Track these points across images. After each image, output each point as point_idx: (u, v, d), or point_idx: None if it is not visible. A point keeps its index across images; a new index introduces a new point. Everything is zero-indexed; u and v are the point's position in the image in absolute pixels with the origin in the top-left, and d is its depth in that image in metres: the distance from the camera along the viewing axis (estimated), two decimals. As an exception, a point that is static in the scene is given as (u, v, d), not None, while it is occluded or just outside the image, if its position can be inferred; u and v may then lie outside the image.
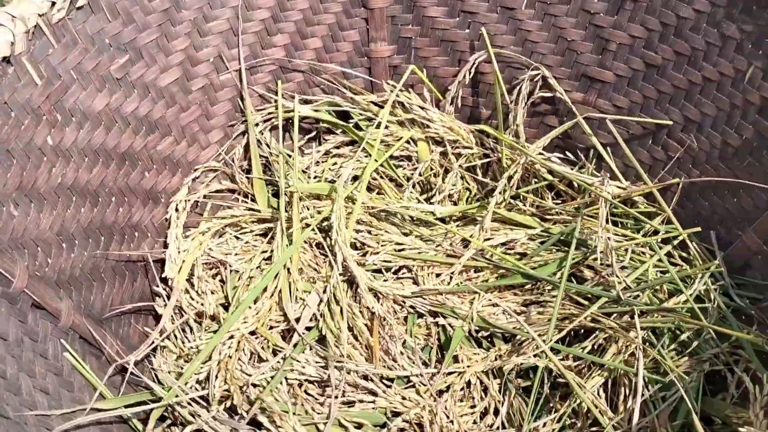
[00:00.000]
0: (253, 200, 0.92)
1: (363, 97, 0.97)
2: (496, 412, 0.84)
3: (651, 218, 0.91)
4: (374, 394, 0.75)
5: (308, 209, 0.90)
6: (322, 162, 0.99)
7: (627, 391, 0.80)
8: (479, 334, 0.90)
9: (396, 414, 0.76)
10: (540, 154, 0.95)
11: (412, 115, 0.96)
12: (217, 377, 0.68)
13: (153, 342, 0.71)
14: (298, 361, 0.73)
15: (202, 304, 0.77)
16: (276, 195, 0.95)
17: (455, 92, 0.96)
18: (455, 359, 0.87)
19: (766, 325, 0.78)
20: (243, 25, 0.85)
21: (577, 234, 0.89)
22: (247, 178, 0.93)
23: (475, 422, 0.82)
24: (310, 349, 0.76)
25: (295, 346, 0.76)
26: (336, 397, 0.69)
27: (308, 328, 0.81)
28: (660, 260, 0.87)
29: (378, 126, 0.96)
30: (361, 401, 0.74)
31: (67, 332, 0.62)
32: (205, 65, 0.85)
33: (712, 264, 0.84)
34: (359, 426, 0.72)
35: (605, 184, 0.88)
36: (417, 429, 0.76)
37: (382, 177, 1.00)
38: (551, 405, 0.84)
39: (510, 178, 0.94)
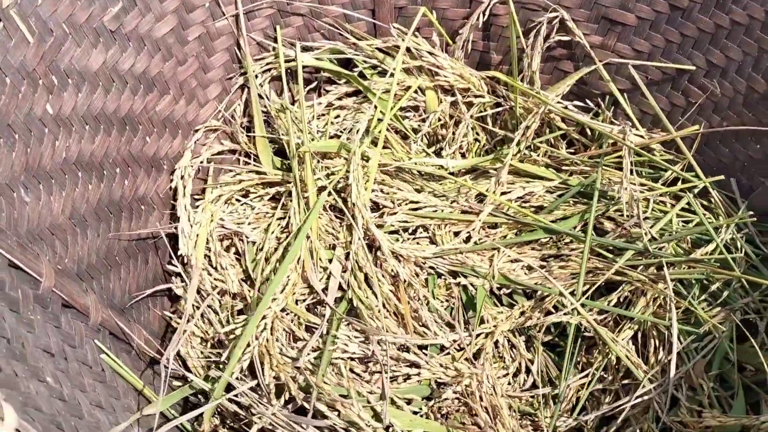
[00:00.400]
0: (256, 160, 0.84)
1: (367, 43, 0.89)
2: (527, 371, 0.83)
3: (672, 165, 0.89)
4: (417, 366, 0.72)
5: (318, 170, 0.83)
6: (325, 115, 0.92)
7: (657, 344, 0.80)
8: (501, 292, 0.88)
9: (439, 384, 0.73)
10: (558, 102, 0.91)
11: (420, 62, 0.90)
12: (263, 364, 0.62)
13: (184, 331, 0.64)
14: (338, 338, 0.69)
15: (223, 282, 0.71)
16: (279, 154, 0.87)
17: (467, 36, 0.90)
18: (481, 320, 0.84)
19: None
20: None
21: (598, 185, 0.87)
22: (248, 136, 0.84)
23: (509, 383, 0.81)
24: (347, 324, 0.72)
25: (329, 321, 0.71)
26: (386, 374, 0.65)
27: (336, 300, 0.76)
28: (683, 210, 0.86)
29: (384, 75, 0.89)
30: (407, 376, 0.71)
31: (98, 330, 0.55)
32: (200, 11, 0.75)
33: (740, 213, 0.83)
34: (409, 401, 0.69)
35: (628, 133, 0.86)
36: (462, 397, 0.73)
37: (387, 129, 0.93)
38: (578, 360, 0.84)
39: (527, 128, 0.89)
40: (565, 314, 0.80)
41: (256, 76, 0.83)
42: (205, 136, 0.79)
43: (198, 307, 0.67)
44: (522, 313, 0.85)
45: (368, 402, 0.64)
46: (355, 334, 0.71)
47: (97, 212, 0.60)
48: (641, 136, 0.90)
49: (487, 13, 0.87)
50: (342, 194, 0.83)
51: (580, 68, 0.91)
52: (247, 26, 0.80)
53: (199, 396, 0.66)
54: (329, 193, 0.81)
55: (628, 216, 0.85)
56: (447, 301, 0.87)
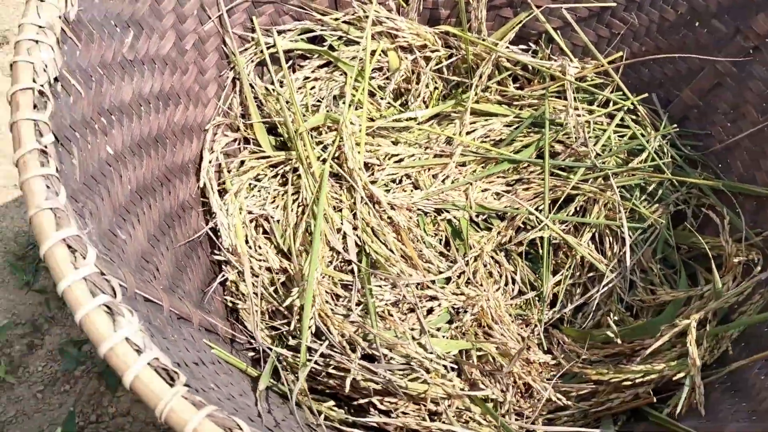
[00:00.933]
0: (255, 144, 0.93)
1: (332, 18, 0.97)
2: (513, 281, 1.00)
3: (601, 90, 1.05)
4: (435, 298, 0.87)
5: (312, 143, 0.92)
6: (302, 88, 1.00)
7: (611, 240, 0.99)
8: (478, 218, 1.03)
9: (456, 310, 0.89)
10: (504, 47, 1.03)
11: (381, 27, 0.98)
12: (327, 326, 0.74)
13: (257, 312, 0.75)
14: (372, 289, 0.82)
15: (266, 261, 0.81)
16: (270, 133, 0.96)
17: (419, -2, 0.99)
18: (468, 246, 0.99)
19: (709, 167, 0.99)
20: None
21: (547, 115, 1.02)
22: (243, 123, 0.92)
23: (501, 295, 0.98)
24: (373, 275, 0.85)
25: (360, 277, 0.84)
26: (420, 311, 0.80)
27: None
28: (617, 126, 1.03)
29: (350, 44, 0.98)
30: (430, 309, 0.86)
31: (198, 330, 0.65)
32: (191, 20, 0.80)
33: (664, 123, 1.01)
34: (438, 329, 0.85)
35: (568, 68, 1.00)
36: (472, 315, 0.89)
37: (356, 90, 1.03)
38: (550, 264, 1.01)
39: (482, 74, 1.02)
40: (539, 230, 0.97)
41: (245, 67, 0.90)
42: (213, 132, 0.86)
43: (255, 286, 0.77)
44: (499, 233, 1.01)
45: (413, 338, 0.78)
46: (382, 283, 0.85)
47: (160, 228, 0.68)
48: (575, 68, 1.05)
49: (436, -25, 0.97)
50: (336, 160, 0.94)
51: (518, 14, 1.03)
52: (229, 23, 0.86)
53: (284, 362, 0.77)
54: (330, 166, 0.91)
55: (575, 138, 1.01)
56: (436, 235, 1.01)
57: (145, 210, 0.67)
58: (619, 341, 0.86)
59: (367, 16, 0.97)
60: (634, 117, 1.04)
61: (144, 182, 0.69)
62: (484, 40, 1.01)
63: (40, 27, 0.57)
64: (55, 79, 0.57)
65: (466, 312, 0.87)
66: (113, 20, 0.67)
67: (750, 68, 0.91)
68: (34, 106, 0.52)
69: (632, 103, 1.02)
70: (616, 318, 0.91)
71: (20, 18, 0.56)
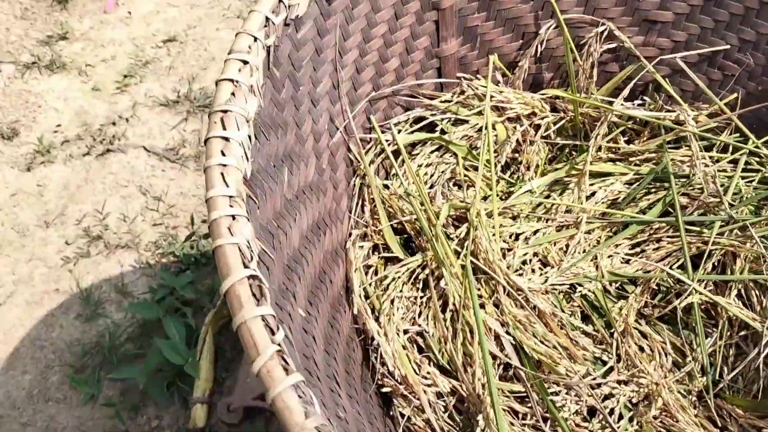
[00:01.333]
0: (384, 248, 0.86)
1: (440, 100, 0.91)
2: (665, 354, 0.94)
3: (719, 134, 1.00)
4: (610, 395, 0.81)
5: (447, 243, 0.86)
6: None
7: (758, 294, 0.93)
8: (611, 286, 0.97)
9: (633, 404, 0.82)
10: (619, 104, 0.98)
11: (491, 102, 0.93)
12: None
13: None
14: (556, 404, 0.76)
15: (434, 383, 0.75)
16: (396, 232, 0.89)
17: (526, 66, 0.93)
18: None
19: None
20: (341, 72, 0.74)
21: (670, 169, 0.96)
22: (372, 229, 0.85)
23: (669, 375, 0.91)
24: (544, 381, 0.78)
25: (531, 385, 0.77)
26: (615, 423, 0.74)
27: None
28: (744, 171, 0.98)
29: (457, 124, 0.92)
30: (611, 410, 0.79)
31: None
32: (324, 136, 0.74)
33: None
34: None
35: (689, 119, 0.95)
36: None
37: (467, 169, 0.97)
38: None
39: (597, 135, 0.96)
40: (688, 295, 0.91)
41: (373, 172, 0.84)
42: (354, 250, 0.80)
43: (438, 419, 0.71)
44: (636, 301, 0.95)
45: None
46: (554, 387, 0.78)
47: (326, 306, 0.62)
48: (693, 115, 0.99)
49: (544, 42, 0.91)
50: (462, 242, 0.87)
51: (625, 67, 0.97)
52: (352, 130, 0.80)
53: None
54: (470, 261, 0.85)
55: (702, 190, 0.95)
56: (572, 314, 0.95)
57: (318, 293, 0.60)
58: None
59: (475, 95, 0.91)
60: (757, 159, 0.99)
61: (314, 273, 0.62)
62: (597, 99, 0.96)
63: (230, 197, 0.50)
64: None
65: (640, 404, 0.81)
66: (273, 162, 0.60)
67: None
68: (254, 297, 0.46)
69: (756, 146, 0.97)
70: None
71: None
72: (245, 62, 0.57)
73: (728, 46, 0.94)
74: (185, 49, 1.67)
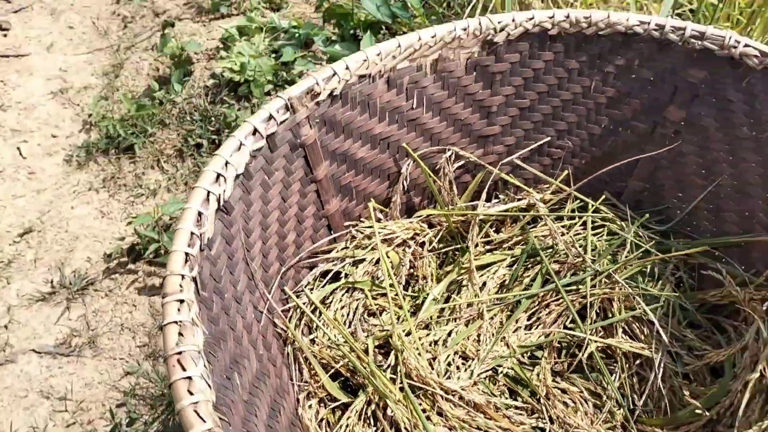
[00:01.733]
0: (329, 398, 0.95)
1: (337, 251, 1.03)
2: (585, 402, 1.08)
3: (564, 206, 1.20)
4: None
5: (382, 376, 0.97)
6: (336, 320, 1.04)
7: (639, 326, 1.11)
8: (524, 358, 1.11)
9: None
10: (481, 206, 1.15)
11: (380, 237, 1.06)
12: None
13: None
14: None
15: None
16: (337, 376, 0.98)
17: (398, 199, 1.08)
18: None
19: (681, 233, 1.15)
20: (252, 264, 0.84)
21: (537, 246, 1.14)
22: (314, 386, 0.94)
23: (582, 419, 1.06)
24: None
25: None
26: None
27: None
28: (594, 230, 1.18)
29: (358, 262, 1.04)
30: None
31: None
32: (254, 326, 0.83)
33: (638, 220, 1.16)
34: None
35: (539, 204, 1.13)
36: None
37: (375, 298, 1.09)
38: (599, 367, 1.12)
39: (473, 237, 1.12)
40: (586, 346, 1.06)
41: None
42: (304, 411, 0.88)
43: None
44: (548, 363, 1.10)
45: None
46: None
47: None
48: (538, 195, 1.18)
49: (408, 177, 1.07)
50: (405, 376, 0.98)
51: (476, 175, 1.15)
52: (277, 314, 0.90)
53: None
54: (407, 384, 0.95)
55: (567, 255, 1.14)
56: (501, 393, 1.08)
57: None
58: (707, 413, 0.96)
59: (365, 236, 1.04)
60: (600, 216, 1.19)
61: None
62: (462, 207, 1.12)
63: (209, 430, 0.58)
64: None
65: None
66: (225, 374, 0.69)
67: (679, 148, 1.09)
68: None
69: (595, 208, 1.18)
70: (686, 392, 1.02)
71: None
72: (181, 301, 0.66)
73: (549, 138, 1.15)
74: (45, 237, 1.65)
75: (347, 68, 0.91)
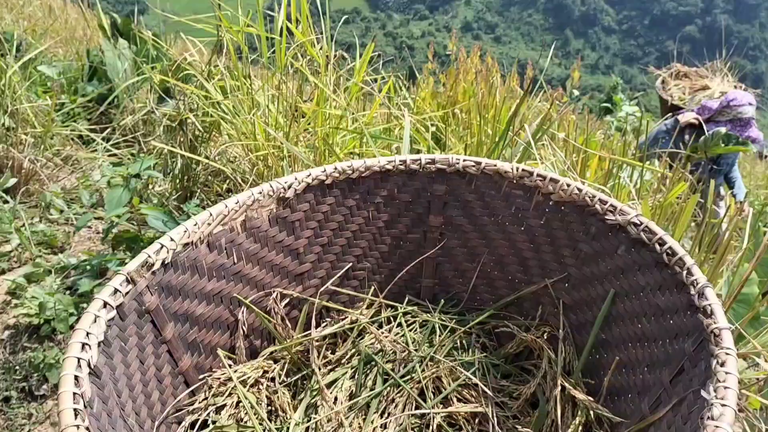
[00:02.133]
0: None
1: (197, 403, 1.13)
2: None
3: (380, 313, 1.42)
4: None
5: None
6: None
7: (468, 390, 1.33)
8: None
9: None
10: (315, 332, 1.32)
11: (237, 380, 1.18)
12: None
13: None
14: None
15: None
16: None
17: (242, 344, 1.23)
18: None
19: (472, 309, 1.43)
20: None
21: (369, 352, 1.33)
22: None
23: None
24: None
25: None
26: None
27: None
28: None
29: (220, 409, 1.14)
30: None
31: None
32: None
33: (438, 307, 1.43)
34: None
35: (358, 315, 1.35)
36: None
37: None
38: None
39: None
40: (432, 418, 1.25)
41: None
42: None
43: None
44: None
45: None
46: None
47: None
48: (355, 313, 1.40)
49: (245, 323, 1.23)
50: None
51: (302, 308, 1.35)
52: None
53: None
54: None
55: (395, 352, 1.35)
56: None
57: None
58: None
59: (221, 383, 1.16)
60: (411, 312, 1.44)
61: None
62: (297, 338, 1.29)
63: None
64: None
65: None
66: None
67: (447, 245, 1.41)
68: None
69: (404, 310, 1.42)
70: (518, 427, 1.24)
71: None
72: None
73: (350, 263, 1.40)
74: None
75: (172, 240, 1.10)
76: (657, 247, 1.10)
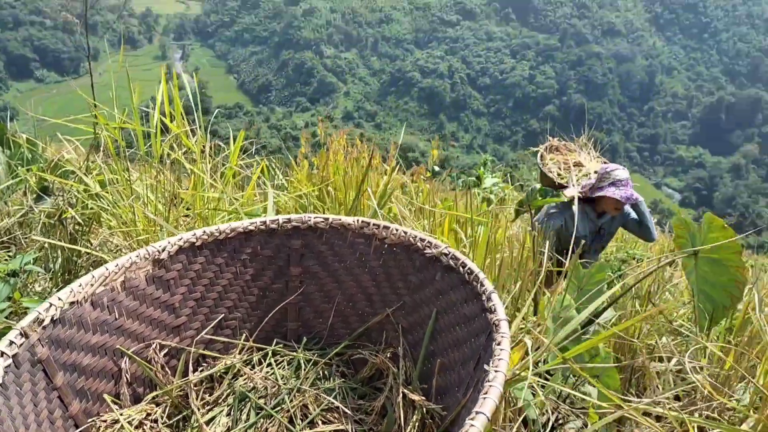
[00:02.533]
0: None
1: (88, 441, 1.28)
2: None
3: (251, 356, 1.63)
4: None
5: None
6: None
7: (331, 412, 1.55)
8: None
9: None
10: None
11: (124, 422, 1.34)
12: None
13: None
14: None
15: None
16: None
17: (126, 391, 1.39)
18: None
19: (333, 344, 1.67)
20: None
21: (243, 390, 1.53)
22: None
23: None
24: None
25: None
26: None
27: None
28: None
29: None
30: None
31: None
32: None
33: (302, 345, 1.66)
34: None
35: (232, 361, 1.55)
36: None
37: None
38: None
39: None
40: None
41: None
42: None
43: None
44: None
45: None
46: None
47: None
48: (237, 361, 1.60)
49: (128, 371, 1.40)
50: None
51: (180, 357, 1.53)
52: None
53: None
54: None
55: (266, 388, 1.55)
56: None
57: None
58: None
59: (109, 425, 1.32)
60: (279, 354, 1.65)
61: None
62: (178, 383, 1.47)
63: None
64: None
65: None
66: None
67: (306, 291, 1.66)
68: None
69: (273, 350, 1.64)
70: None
71: None
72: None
73: (222, 314, 1.62)
74: None
75: (59, 299, 1.28)
76: (461, 269, 1.41)
